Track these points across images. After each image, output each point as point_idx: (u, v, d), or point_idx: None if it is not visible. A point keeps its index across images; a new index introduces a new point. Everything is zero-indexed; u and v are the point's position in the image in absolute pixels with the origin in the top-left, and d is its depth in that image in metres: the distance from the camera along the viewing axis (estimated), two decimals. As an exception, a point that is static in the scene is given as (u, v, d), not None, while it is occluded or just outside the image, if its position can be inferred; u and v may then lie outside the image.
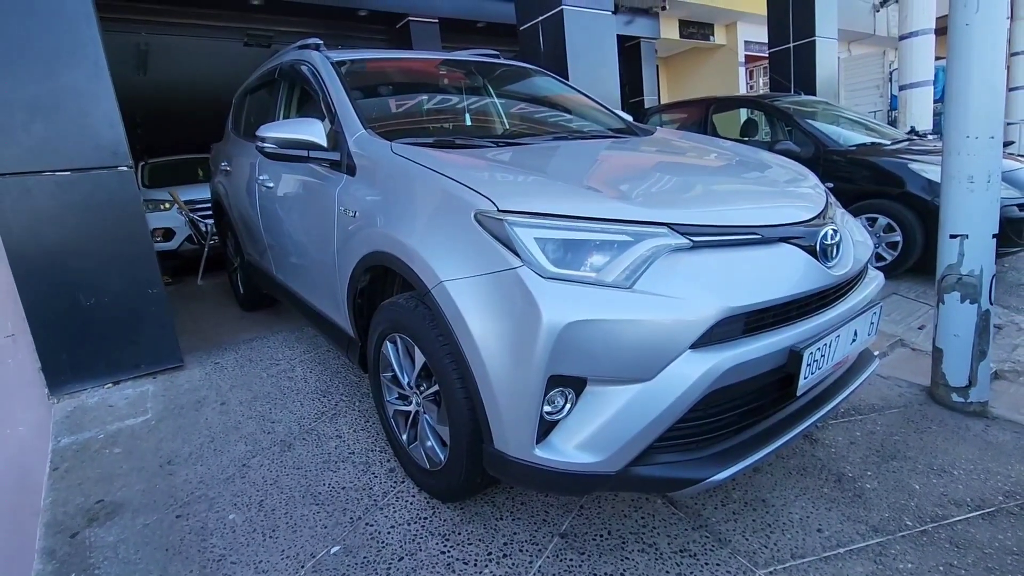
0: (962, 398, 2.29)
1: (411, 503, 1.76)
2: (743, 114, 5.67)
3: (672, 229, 1.32)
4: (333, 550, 1.58)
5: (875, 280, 1.76)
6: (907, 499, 1.77)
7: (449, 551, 1.56)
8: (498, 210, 1.34)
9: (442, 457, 1.63)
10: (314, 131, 1.96)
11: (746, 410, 1.40)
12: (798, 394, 1.39)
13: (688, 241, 1.32)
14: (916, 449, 2.04)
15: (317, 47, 2.58)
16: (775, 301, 1.32)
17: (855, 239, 1.68)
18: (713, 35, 9.96)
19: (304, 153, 2.00)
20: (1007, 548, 1.53)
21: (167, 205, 5.50)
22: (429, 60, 2.85)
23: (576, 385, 1.28)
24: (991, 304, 2.23)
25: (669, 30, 9.07)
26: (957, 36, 2.11)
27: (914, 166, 3.76)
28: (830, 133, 4.31)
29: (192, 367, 2.80)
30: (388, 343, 1.78)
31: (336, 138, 2.02)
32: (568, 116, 2.69)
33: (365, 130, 1.96)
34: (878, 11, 12.61)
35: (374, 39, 6.73)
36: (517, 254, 1.28)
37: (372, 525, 1.67)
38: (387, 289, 2.02)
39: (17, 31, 2.23)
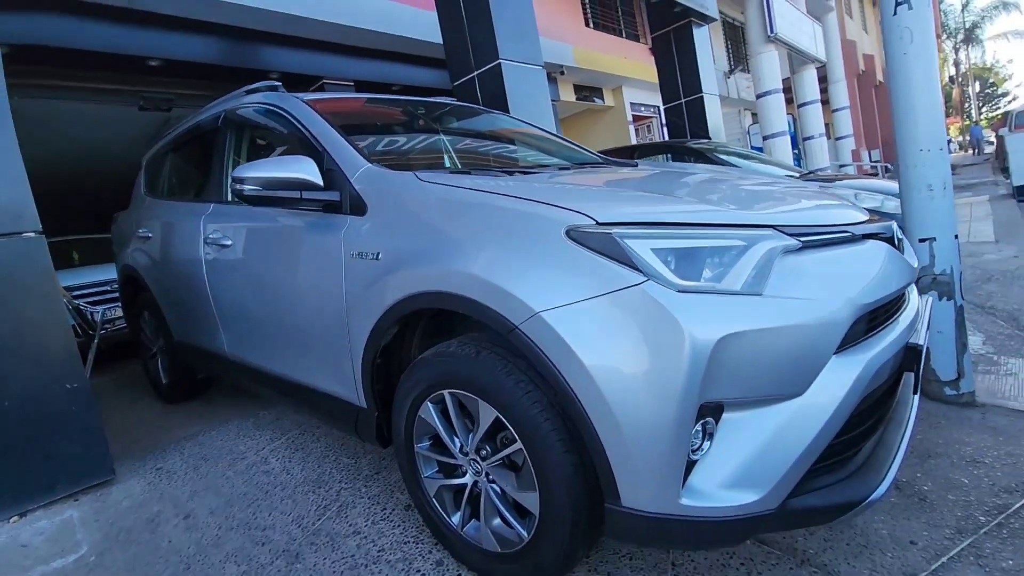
0: (954, 391, 2.40)
1: (481, 600, 1.43)
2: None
3: (778, 231, 1.24)
4: None
5: None
6: (965, 495, 1.75)
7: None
8: (597, 223, 1.17)
9: (524, 533, 1.34)
10: (308, 169, 1.69)
11: (878, 416, 1.31)
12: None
13: (797, 242, 1.24)
14: (942, 444, 2.07)
15: (276, 88, 2.32)
16: (891, 295, 1.27)
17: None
18: (602, 98, 10.87)
19: (296, 195, 1.70)
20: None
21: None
22: (394, 100, 2.68)
23: (715, 413, 1.11)
24: (962, 299, 2.41)
25: (567, 93, 9.72)
26: (897, 64, 2.36)
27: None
28: (754, 169, 4.70)
29: (127, 479, 2.20)
30: (430, 404, 1.49)
31: (331, 177, 1.76)
32: (554, 151, 2.62)
33: (371, 164, 1.72)
34: (728, 78, 14.60)
35: (285, 103, 6.40)
36: (637, 268, 1.11)
37: (444, 638, 1.32)
38: (404, 344, 1.74)
39: None
